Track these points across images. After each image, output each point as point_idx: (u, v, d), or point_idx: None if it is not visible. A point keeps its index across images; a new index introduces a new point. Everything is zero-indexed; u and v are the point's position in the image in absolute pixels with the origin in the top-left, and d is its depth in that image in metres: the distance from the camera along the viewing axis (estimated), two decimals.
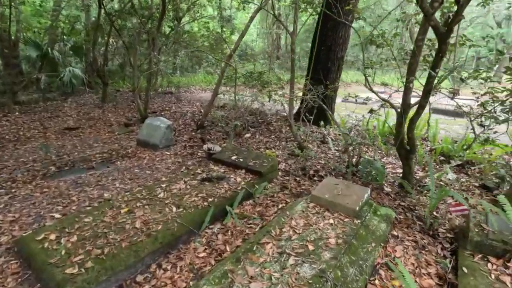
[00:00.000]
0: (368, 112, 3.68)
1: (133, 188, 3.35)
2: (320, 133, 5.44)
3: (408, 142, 3.03)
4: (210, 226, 2.65)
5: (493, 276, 1.91)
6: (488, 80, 2.72)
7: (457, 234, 2.52)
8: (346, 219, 2.45)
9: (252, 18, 5.09)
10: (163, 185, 3.15)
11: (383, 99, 3.30)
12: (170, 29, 9.84)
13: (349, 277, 1.90)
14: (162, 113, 7.84)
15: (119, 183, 3.50)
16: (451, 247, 2.35)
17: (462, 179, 3.60)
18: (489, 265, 2.01)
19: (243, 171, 3.56)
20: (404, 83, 2.91)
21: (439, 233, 2.54)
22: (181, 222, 2.49)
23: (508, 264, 2.00)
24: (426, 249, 2.34)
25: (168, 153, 4.68)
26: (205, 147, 4.25)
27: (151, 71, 6.21)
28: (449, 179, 3.50)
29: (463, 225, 2.61)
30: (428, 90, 2.59)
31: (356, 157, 3.66)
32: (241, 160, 3.71)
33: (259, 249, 2.08)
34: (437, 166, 4.03)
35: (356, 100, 4.10)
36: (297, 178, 3.59)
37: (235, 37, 15.32)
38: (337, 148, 4.54)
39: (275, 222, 2.42)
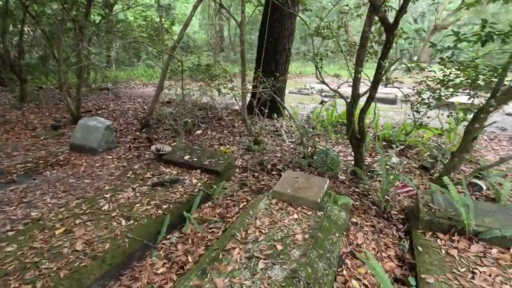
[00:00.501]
0: (320, 103, 3.74)
1: (69, 202, 2.87)
2: (273, 126, 5.44)
3: (359, 131, 3.15)
4: (168, 236, 2.40)
5: (443, 251, 2.07)
6: (426, 69, 2.95)
7: (407, 215, 2.71)
8: (309, 212, 2.43)
9: (195, 7, 4.76)
10: (107, 195, 2.76)
11: (334, 90, 3.37)
12: (100, 17, 8.78)
13: (319, 272, 1.87)
14: (99, 112, 7.02)
15: (50, 198, 2.98)
16: (404, 227, 2.51)
17: (403, 162, 3.92)
18: (439, 241, 2.19)
19: (198, 171, 3.33)
20: (353, 74, 2.99)
21: (392, 216, 2.70)
22: (133, 237, 2.19)
23: (453, 238, 2.20)
24: (384, 232, 2.46)
25: (110, 157, 4.17)
26: (153, 147, 3.88)
27: (82, 64, 5.44)
28: (394, 162, 3.78)
29: (412, 205, 2.82)
30: (377, 80, 2.71)
31: (310, 148, 3.71)
32: (195, 159, 3.47)
33: (225, 257, 1.92)
34: (382, 151, 4.33)
35: (312, 92, 4.14)
36: (256, 174, 3.50)
37: (176, 28, 14.49)
38: (291, 140, 4.57)
39: (239, 224, 2.29)
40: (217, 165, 3.35)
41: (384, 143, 4.63)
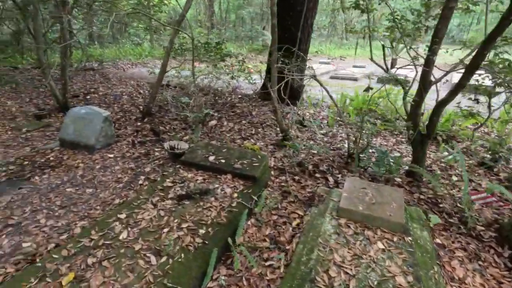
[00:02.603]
0: (364, 91, 3.13)
1: (71, 225, 2.22)
2: (295, 114, 4.81)
3: (428, 125, 2.59)
4: (214, 277, 1.81)
5: None
6: None
7: (500, 232, 2.23)
8: (395, 238, 1.90)
9: None
10: (122, 216, 2.12)
11: (392, 75, 2.76)
12: None
13: None
14: (87, 97, 6.15)
15: (45, 218, 2.30)
16: (508, 252, 2.03)
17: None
18: None
19: (229, 176, 2.71)
20: (427, 55, 2.38)
21: (480, 233, 2.22)
22: (172, 286, 1.60)
23: None
24: (483, 259, 1.97)
25: (111, 155, 3.47)
26: (166, 145, 3.21)
27: (67, 42, 4.54)
28: (450, 159, 3.27)
29: (497, 217, 2.34)
30: (476, 64, 2.11)
31: (360, 145, 3.12)
32: (223, 161, 2.84)
33: None
34: (447, 147, 3.78)
35: (354, 77, 3.49)
36: (296, 177, 2.92)
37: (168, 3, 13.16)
38: (322, 132, 3.98)
39: (307, 256, 1.73)
40: (252, 168, 2.74)
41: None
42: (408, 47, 2.80)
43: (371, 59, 2.79)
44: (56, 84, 5.38)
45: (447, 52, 3.21)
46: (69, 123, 3.72)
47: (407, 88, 2.81)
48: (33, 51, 9.73)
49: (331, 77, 9.23)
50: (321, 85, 3.12)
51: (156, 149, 3.58)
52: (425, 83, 2.47)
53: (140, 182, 2.83)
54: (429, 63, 2.39)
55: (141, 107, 5.14)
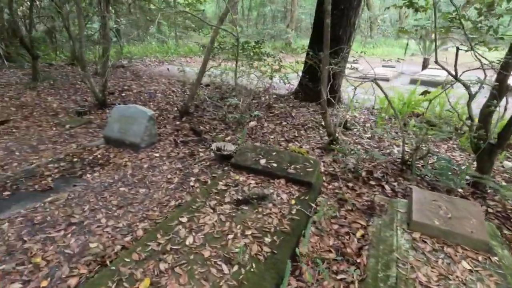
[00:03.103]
0: (421, 94, 2.97)
1: (133, 227, 2.21)
2: (335, 116, 4.68)
3: (502, 135, 2.41)
4: None
5: None
6: None
7: None
8: (480, 258, 1.76)
9: None
10: (184, 219, 2.09)
11: (457, 79, 2.59)
12: None
13: None
14: (123, 94, 6.25)
15: (105, 218, 2.32)
16: None
17: None
18: None
19: (283, 181, 2.64)
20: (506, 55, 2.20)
21: None
22: None
23: None
24: None
25: (157, 154, 3.47)
26: (214, 146, 3.18)
27: (112, 40, 4.60)
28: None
29: None
30: None
31: (418, 152, 2.95)
32: (275, 165, 2.77)
33: None
34: None
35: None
36: (349, 184, 2.81)
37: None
38: (368, 136, 3.83)
39: (385, 273, 1.63)
40: (306, 173, 2.65)
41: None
42: (472, 46, 2.60)
43: (436, 61, 2.62)
44: (98, 82, 5.49)
45: None
46: (114, 121, 3.76)
47: (471, 92, 2.63)
48: (65, 48, 10.05)
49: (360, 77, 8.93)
50: (381, 89, 2.98)
51: (200, 150, 3.56)
52: (502, 89, 2.30)
53: (191, 183, 2.81)
54: (507, 67, 2.21)
55: (177, 105, 5.16)
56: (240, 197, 2.37)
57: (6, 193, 2.65)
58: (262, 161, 2.83)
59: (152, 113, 3.71)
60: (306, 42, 5.57)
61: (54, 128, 4.42)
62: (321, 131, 3.91)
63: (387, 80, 8.74)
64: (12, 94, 5.88)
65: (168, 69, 9.43)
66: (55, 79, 7.11)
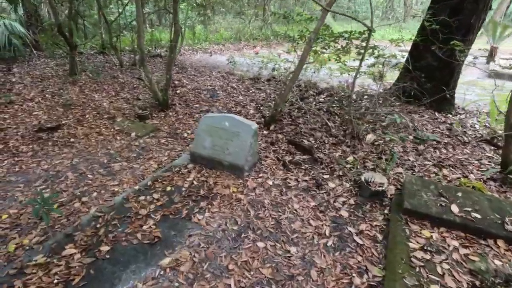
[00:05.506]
0: None
1: None
2: (444, 124, 3.79)
3: None
4: None
5: None
6: None
7: None
8: None
9: None
10: None
11: None
12: None
13: None
14: (177, 91, 5.43)
15: None
16: None
17: None
18: None
19: (501, 243, 1.82)
20: None
21: None
22: None
23: None
24: None
25: (270, 182, 2.66)
26: (363, 177, 2.34)
27: (181, 30, 3.72)
28: None
29: None
30: None
31: None
32: (477, 215, 1.94)
33: None
34: None
35: None
36: None
37: None
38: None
39: None
40: None
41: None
42: None
43: None
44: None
45: None
46: (203, 134, 2.95)
47: None
48: (93, 36, 9.16)
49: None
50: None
51: (325, 176, 2.73)
52: None
53: (354, 237, 2.00)
54: None
55: (260, 109, 4.32)
56: (471, 279, 1.56)
57: (105, 248, 1.89)
58: (454, 208, 2.00)
59: (256, 126, 2.88)
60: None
61: (118, 137, 3.65)
62: (465, 149, 3.04)
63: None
64: (53, 90, 5.11)
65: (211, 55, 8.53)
66: (97, 71, 6.29)
